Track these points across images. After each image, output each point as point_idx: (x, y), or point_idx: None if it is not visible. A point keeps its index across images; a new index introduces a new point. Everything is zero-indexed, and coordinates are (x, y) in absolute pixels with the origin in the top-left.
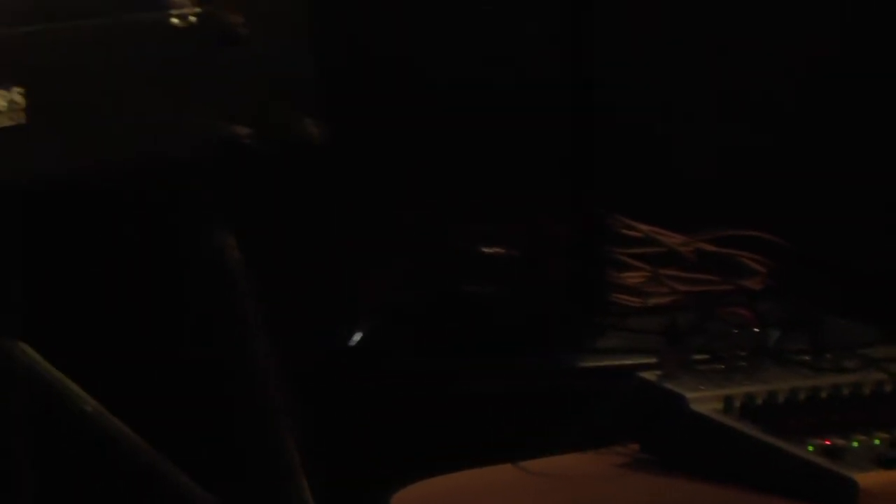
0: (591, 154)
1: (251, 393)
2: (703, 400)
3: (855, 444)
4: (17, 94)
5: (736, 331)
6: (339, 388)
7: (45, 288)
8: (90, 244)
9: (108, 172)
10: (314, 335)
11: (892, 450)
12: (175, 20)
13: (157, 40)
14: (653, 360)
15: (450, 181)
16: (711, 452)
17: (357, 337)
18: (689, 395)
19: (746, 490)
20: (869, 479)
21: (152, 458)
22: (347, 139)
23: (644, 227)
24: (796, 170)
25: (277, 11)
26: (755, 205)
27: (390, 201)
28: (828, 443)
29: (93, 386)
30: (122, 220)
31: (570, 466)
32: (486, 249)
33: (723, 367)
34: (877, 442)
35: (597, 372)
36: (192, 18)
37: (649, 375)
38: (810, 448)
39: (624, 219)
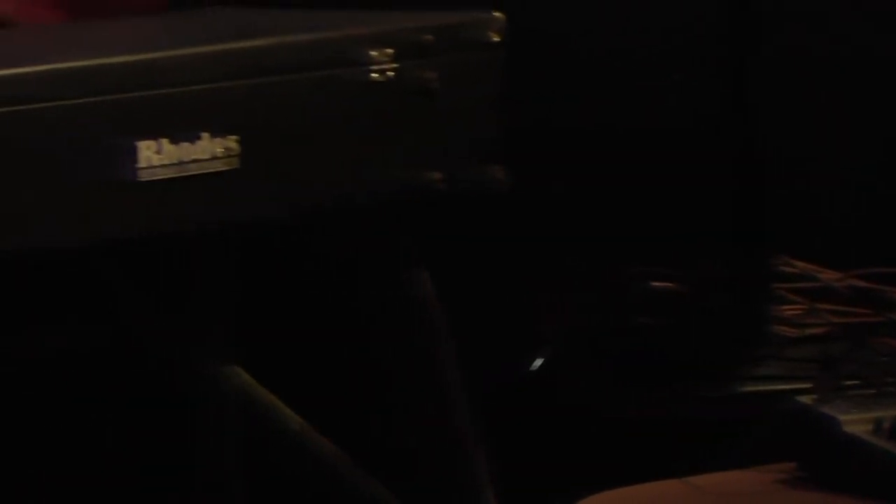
0: (760, 194)
1: (443, 414)
2: (855, 422)
3: None
4: (231, 142)
5: (885, 359)
6: (519, 411)
7: (255, 317)
8: (299, 279)
9: (311, 214)
10: (499, 361)
11: None
12: (375, 76)
13: (358, 94)
14: (808, 385)
15: (623, 219)
16: (863, 471)
17: (538, 363)
18: (841, 417)
19: None
20: None
21: (355, 476)
22: (529, 183)
23: (801, 263)
24: None
25: (468, 70)
26: None
27: (568, 240)
28: None
29: (300, 407)
30: (323, 257)
31: (733, 482)
32: (656, 284)
33: (873, 392)
34: None
35: (757, 397)
36: (391, 74)
37: (805, 400)
38: None
39: (783, 256)
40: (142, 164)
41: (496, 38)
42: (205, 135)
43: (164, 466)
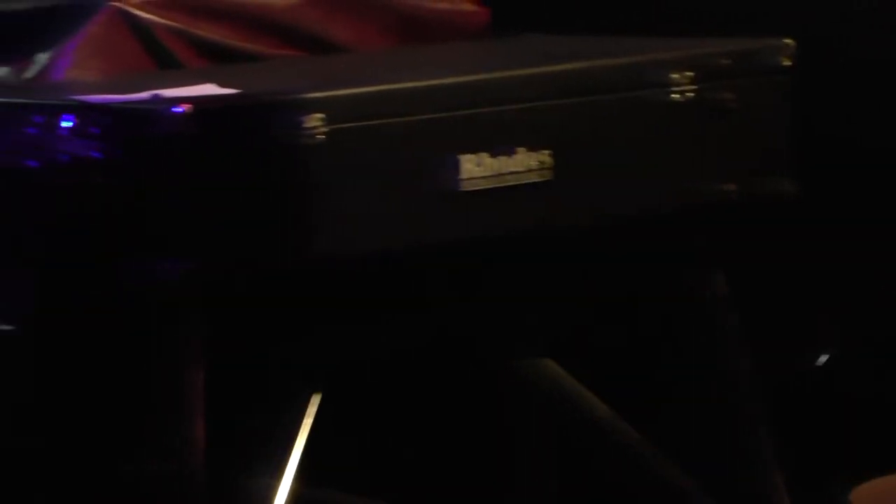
0: None
1: (734, 403)
2: None
3: None
4: (545, 156)
5: None
6: (805, 402)
7: (562, 311)
8: (601, 279)
9: (617, 222)
10: (787, 356)
11: None
12: (676, 96)
13: (660, 113)
14: None
15: None
16: None
17: (823, 359)
18: None
19: None
20: None
21: (659, 461)
22: (816, 193)
23: None
24: None
25: (761, 91)
26: None
27: (853, 241)
28: None
29: (604, 395)
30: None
31: None
32: None
33: None
34: None
35: None
36: (690, 95)
37: None
38: None
39: None
40: (464, 175)
41: (787, 63)
42: (521, 149)
43: (479, 454)
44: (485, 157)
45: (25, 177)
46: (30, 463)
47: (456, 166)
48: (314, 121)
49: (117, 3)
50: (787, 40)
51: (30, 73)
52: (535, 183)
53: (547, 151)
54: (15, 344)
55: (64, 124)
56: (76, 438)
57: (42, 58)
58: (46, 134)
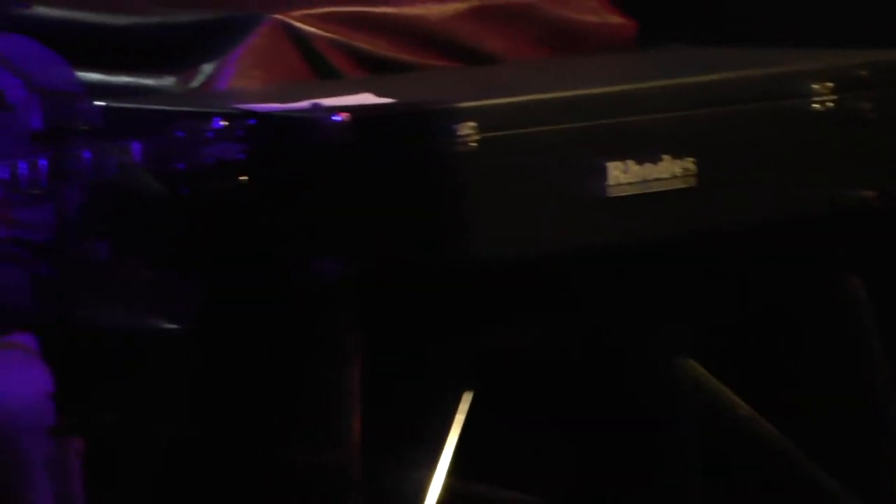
0: None
1: (873, 402)
2: None
3: None
4: (689, 163)
5: None
6: None
7: (705, 314)
8: (738, 283)
9: (758, 227)
10: None
11: None
12: (816, 106)
13: (801, 122)
14: None
15: None
16: None
17: None
18: None
19: None
20: None
21: (800, 459)
22: None
23: None
24: None
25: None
26: None
27: None
28: None
29: (745, 395)
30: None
31: None
32: None
33: None
34: None
35: None
36: (830, 105)
37: None
38: None
39: None
40: (610, 182)
41: None
42: (666, 157)
43: (624, 452)
44: (631, 164)
45: (192, 182)
46: (194, 453)
47: (603, 173)
48: (467, 129)
49: (279, 16)
50: None
51: (195, 82)
52: (679, 189)
53: (691, 159)
54: (181, 342)
55: (221, 132)
56: (238, 430)
57: (207, 68)
58: (201, 141)
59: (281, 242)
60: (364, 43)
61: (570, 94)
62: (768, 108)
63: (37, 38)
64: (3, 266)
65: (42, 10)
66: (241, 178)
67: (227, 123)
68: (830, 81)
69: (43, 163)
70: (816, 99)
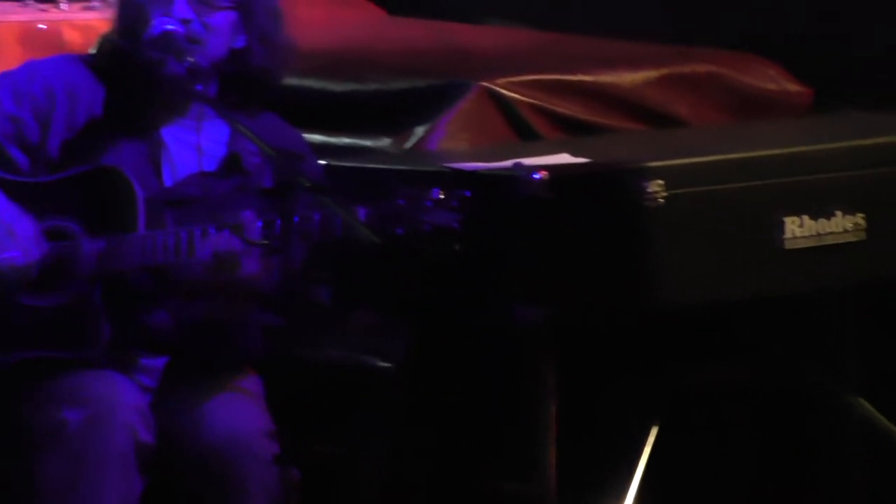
0: None
1: None
2: None
3: None
4: (860, 218)
5: None
6: None
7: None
8: None
9: None
10: None
11: None
12: None
13: None
14: None
15: None
16: None
17: None
18: None
19: None
20: None
21: None
22: None
23: None
24: None
25: None
26: None
27: None
28: None
29: None
30: None
31: None
32: None
33: None
34: None
35: None
36: None
37: None
38: None
39: None
40: (787, 235)
41: None
42: (838, 212)
43: (796, 484)
44: (806, 219)
45: (410, 246)
46: (405, 482)
47: (781, 227)
48: (655, 186)
49: (485, 83)
50: None
51: (409, 143)
52: (850, 242)
53: (861, 214)
54: (392, 379)
55: (439, 202)
56: (446, 461)
57: (419, 130)
58: (421, 210)
59: (485, 290)
60: (562, 107)
61: (750, 154)
62: None
63: (267, 103)
64: (236, 315)
65: None
66: (455, 245)
67: (444, 196)
68: None
69: (272, 220)
70: None
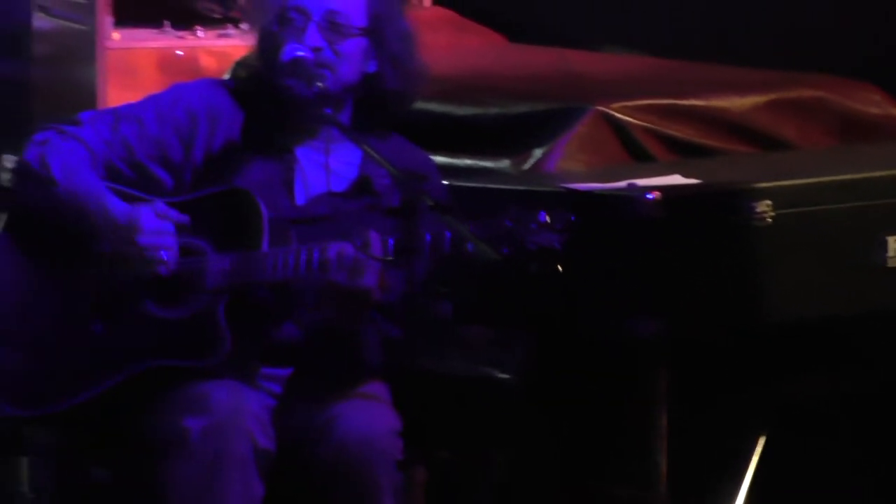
0: None
1: None
2: None
3: None
4: None
5: None
6: None
7: None
8: None
9: None
10: None
11: None
12: None
13: None
14: None
15: None
16: None
17: None
18: None
19: None
20: None
21: None
22: None
23: None
24: None
25: None
26: None
27: None
28: None
29: None
30: None
31: None
32: None
33: None
34: None
35: None
36: None
37: None
38: None
39: None
40: (890, 254)
41: None
42: None
43: None
44: None
45: (515, 264)
46: (522, 485)
47: (884, 246)
48: (763, 206)
49: (601, 107)
50: None
51: (527, 165)
52: None
53: None
54: (510, 389)
55: (545, 224)
56: (562, 466)
57: (538, 152)
58: (526, 231)
59: (600, 303)
60: (674, 130)
61: (854, 176)
62: None
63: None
64: (358, 327)
65: None
66: (557, 265)
67: (550, 218)
68: None
69: (396, 237)
70: None
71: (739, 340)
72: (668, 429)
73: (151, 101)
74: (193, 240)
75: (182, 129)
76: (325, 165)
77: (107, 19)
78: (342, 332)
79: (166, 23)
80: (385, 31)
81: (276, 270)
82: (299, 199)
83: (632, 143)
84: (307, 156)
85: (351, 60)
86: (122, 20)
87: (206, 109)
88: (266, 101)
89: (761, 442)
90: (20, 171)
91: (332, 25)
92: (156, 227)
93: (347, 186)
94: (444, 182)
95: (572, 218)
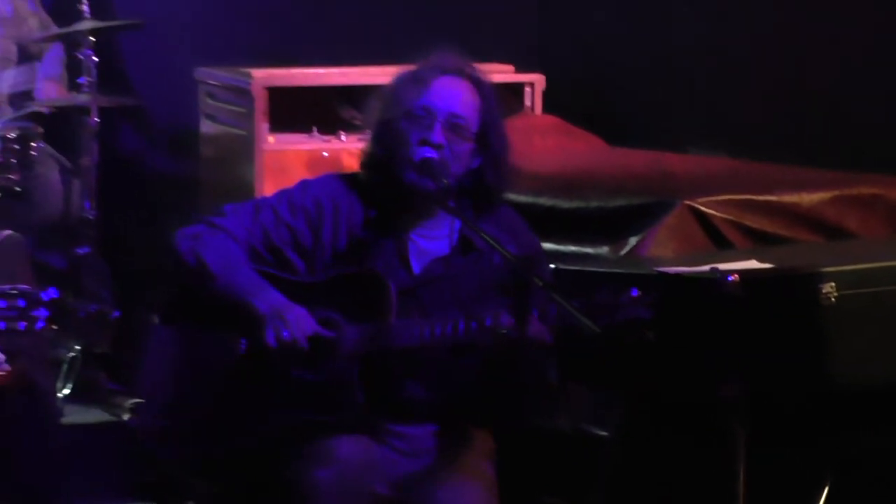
0: None
1: None
2: None
3: None
4: None
5: None
6: None
7: None
8: None
9: None
10: None
11: None
12: None
13: None
14: None
15: None
16: None
17: None
18: None
19: None
20: None
21: None
22: None
23: None
24: None
25: None
26: None
27: None
28: None
29: None
30: None
31: None
32: None
33: None
34: None
35: None
36: None
37: None
38: None
39: None
40: None
41: None
42: None
43: None
44: None
45: (609, 335)
46: None
47: None
48: (828, 288)
49: (688, 202)
50: None
51: (623, 251)
52: None
53: None
54: (608, 444)
55: (635, 299)
56: None
57: (633, 240)
58: (618, 306)
59: (688, 370)
60: (752, 222)
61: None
62: None
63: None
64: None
65: (512, 195)
66: (647, 334)
67: (639, 294)
68: None
69: (515, 313)
70: None
71: (811, 401)
72: (747, 476)
73: (284, 194)
74: (328, 313)
75: (311, 217)
76: (435, 237)
77: (263, 125)
78: (464, 396)
79: (314, 128)
80: (490, 135)
81: (401, 339)
82: (416, 269)
83: (714, 233)
84: (421, 232)
85: (462, 159)
86: (277, 126)
87: (330, 199)
88: (388, 190)
89: (826, 488)
90: (176, 263)
91: (454, 127)
92: (301, 311)
93: (451, 249)
94: (551, 265)
95: (659, 294)
